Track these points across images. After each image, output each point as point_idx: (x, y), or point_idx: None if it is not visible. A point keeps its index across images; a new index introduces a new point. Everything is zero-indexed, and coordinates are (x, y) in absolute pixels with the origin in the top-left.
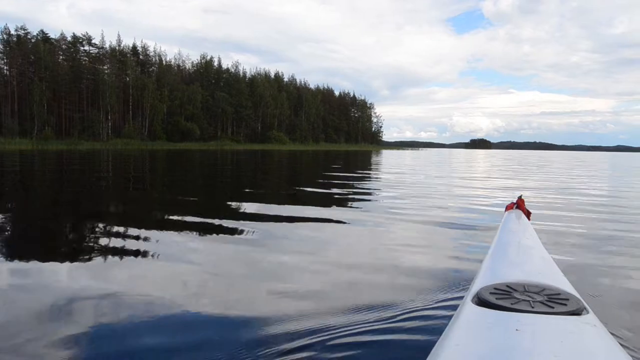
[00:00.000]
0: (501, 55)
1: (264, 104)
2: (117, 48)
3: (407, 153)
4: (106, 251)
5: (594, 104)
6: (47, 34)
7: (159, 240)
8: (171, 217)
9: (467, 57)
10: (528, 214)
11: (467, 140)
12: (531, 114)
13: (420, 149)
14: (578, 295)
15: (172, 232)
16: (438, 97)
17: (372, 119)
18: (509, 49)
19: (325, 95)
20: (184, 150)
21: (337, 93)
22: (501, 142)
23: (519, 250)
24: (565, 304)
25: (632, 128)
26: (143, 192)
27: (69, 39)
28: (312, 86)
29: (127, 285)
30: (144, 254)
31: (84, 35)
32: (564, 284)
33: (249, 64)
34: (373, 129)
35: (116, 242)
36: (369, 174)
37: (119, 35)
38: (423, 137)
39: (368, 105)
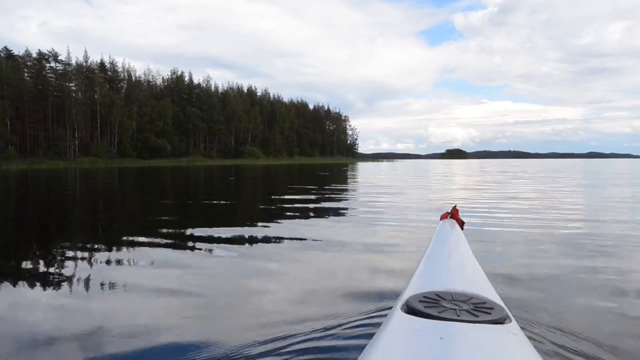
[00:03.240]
0: (473, 67)
1: (237, 119)
2: (84, 64)
3: (383, 165)
4: (70, 277)
5: (564, 112)
6: (10, 50)
7: (128, 263)
8: (139, 240)
9: (440, 69)
10: (462, 224)
11: (443, 151)
12: (504, 123)
13: (396, 160)
14: (503, 305)
15: (142, 257)
16: (413, 109)
17: (347, 131)
18: (480, 60)
19: (299, 108)
20: (151, 168)
21: (311, 106)
22: (477, 152)
23: (450, 260)
24: (489, 313)
25: (602, 135)
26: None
27: (35, 55)
28: (286, 100)
29: (94, 313)
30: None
31: (50, 52)
32: (490, 294)
33: (223, 79)
34: (348, 141)
35: (79, 267)
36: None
37: (85, 52)
38: (400, 148)
39: (343, 118)
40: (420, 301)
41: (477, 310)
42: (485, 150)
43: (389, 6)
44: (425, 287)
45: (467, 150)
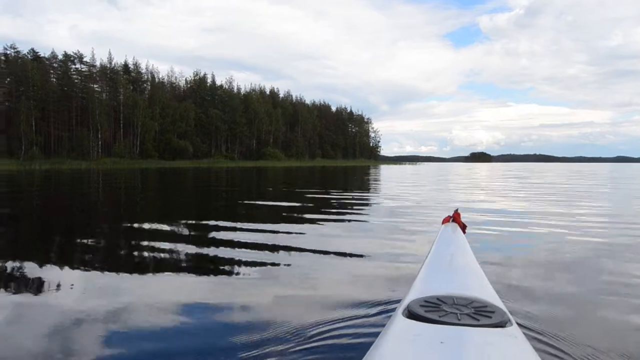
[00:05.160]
0: (499, 69)
1: (259, 121)
2: (108, 66)
3: (407, 168)
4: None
5: (592, 115)
6: (37, 52)
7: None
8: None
9: (466, 71)
10: (464, 228)
11: (467, 154)
12: (530, 127)
13: (419, 163)
14: (504, 308)
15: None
16: (437, 111)
17: (370, 133)
18: (506, 62)
19: (321, 110)
20: (172, 169)
21: (333, 109)
22: (501, 155)
23: (452, 264)
24: (490, 317)
25: (632, 139)
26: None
27: (60, 57)
28: (308, 102)
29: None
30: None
31: (76, 54)
32: (492, 297)
33: (246, 82)
34: (371, 144)
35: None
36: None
37: (110, 53)
38: (423, 151)
39: (365, 120)
40: (421, 305)
41: (478, 314)
42: (511, 154)
43: (412, 8)
44: (426, 291)
45: (492, 154)
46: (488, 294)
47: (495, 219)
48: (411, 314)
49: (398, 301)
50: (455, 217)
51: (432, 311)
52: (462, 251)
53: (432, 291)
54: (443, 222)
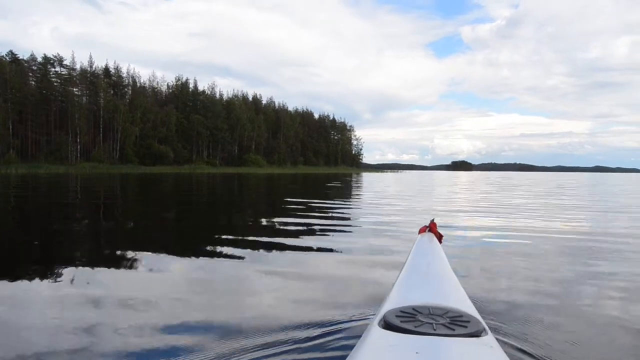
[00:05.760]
0: (480, 79)
1: (241, 127)
2: (88, 69)
3: (388, 176)
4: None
5: (570, 126)
6: (16, 54)
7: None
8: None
9: (448, 81)
10: (440, 237)
11: (449, 162)
12: (511, 136)
13: (400, 171)
14: (479, 317)
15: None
16: (419, 120)
17: (352, 141)
18: (487, 72)
19: (304, 117)
20: (153, 175)
21: (316, 116)
22: (482, 164)
23: (428, 273)
24: (465, 326)
25: (609, 149)
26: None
27: (40, 59)
28: (291, 109)
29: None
30: None
31: (55, 56)
32: (467, 307)
33: (230, 88)
34: (353, 151)
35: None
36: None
37: (90, 57)
38: (405, 159)
39: (348, 127)
40: (397, 316)
41: (453, 324)
42: (491, 163)
43: (398, 17)
44: (402, 301)
45: (473, 162)
46: (464, 304)
47: (472, 228)
48: (387, 325)
49: (374, 311)
50: (431, 227)
51: (408, 321)
52: (438, 261)
53: (408, 301)
54: (419, 232)
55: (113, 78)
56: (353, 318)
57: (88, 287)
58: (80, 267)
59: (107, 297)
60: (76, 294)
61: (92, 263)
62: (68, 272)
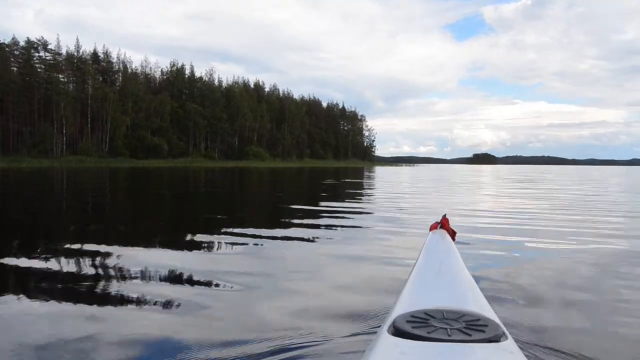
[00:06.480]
0: (504, 63)
1: (242, 117)
2: (75, 54)
3: (404, 170)
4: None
5: (604, 114)
6: None
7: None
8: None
9: (468, 65)
10: (453, 234)
11: (470, 155)
12: (538, 126)
13: (417, 165)
14: (498, 321)
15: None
16: (437, 109)
17: (364, 132)
18: (512, 56)
19: (311, 106)
20: (143, 169)
21: (325, 104)
22: (507, 157)
23: (441, 274)
24: (483, 331)
25: None
26: None
27: (22, 44)
28: (296, 97)
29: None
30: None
31: (39, 40)
32: (485, 309)
33: (230, 74)
34: (365, 143)
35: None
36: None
37: (77, 40)
38: (422, 152)
39: (359, 117)
40: (407, 321)
41: (469, 329)
42: (517, 155)
43: None
44: (413, 305)
45: (497, 155)
46: (481, 306)
47: (489, 223)
48: (397, 331)
49: (383, 317)
50: (443, 223)
51: (420, 327)
52: (452, 260)
53: (420, 305)
54: (431, 229)
55: (102, 64)
56: (361, 324)
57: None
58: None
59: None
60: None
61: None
62: None
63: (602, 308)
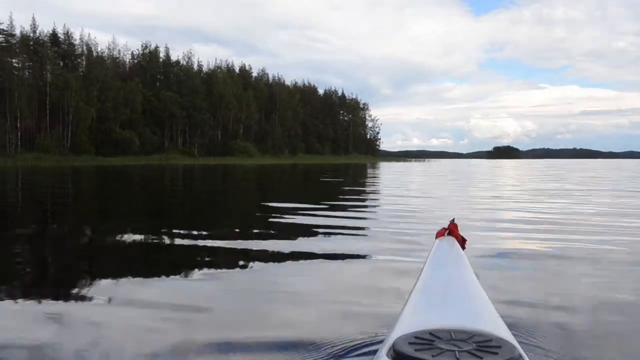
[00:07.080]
0: (528, 42)
1: (225, 106)
2: (31, 36)
3: (414, 166)
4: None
5: None
6: None
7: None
8: None
9: (486, 45)
10: (463, 242)
11: (490, 149)
12: (569, 114)
13: (428, 160)
14: (514, 342)
15: None
16: (452, 96)
17: (367, 123)
18: (537, 33)
19: (305, 94)
20: (110, 168)
21: (321, 92)
22: (532, 150)
23: (448, 288)
24: (496, 352)
25: None
26: None
27: None
28: (289, 83)
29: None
30: None
31: None
32: (498, 329)
33: (210, 57)
34: (368, 135)
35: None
36: None
37: (33, 20)
38: (434, 145)
39: (361, 106)
40: (410, 343)
41: (481, 351)
42: (544, 148)
43: None
44: (417, 324)
45: (521, 148)
46: (494, 325)
47: (504, 229)
48: (398, 355)
49: (382, 338)
50: (451, 229)
51: (424, 349)
52: (461, 272)
53: (424, 324)
54: (437, 236)
55: (62, 46)
56: (357, 347)
57: None
58: None
59: None
60: None
61: None
62: None
63: None
